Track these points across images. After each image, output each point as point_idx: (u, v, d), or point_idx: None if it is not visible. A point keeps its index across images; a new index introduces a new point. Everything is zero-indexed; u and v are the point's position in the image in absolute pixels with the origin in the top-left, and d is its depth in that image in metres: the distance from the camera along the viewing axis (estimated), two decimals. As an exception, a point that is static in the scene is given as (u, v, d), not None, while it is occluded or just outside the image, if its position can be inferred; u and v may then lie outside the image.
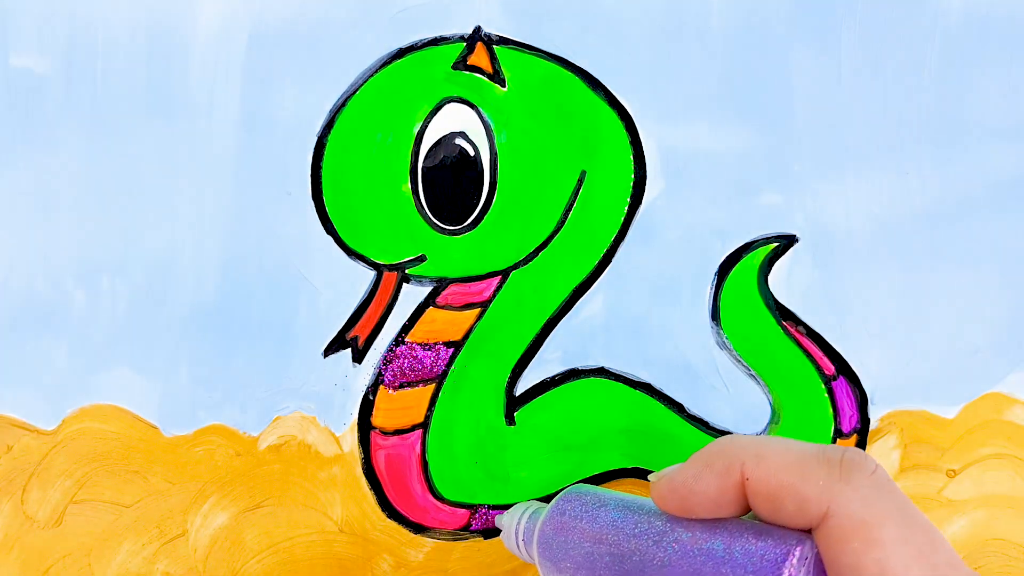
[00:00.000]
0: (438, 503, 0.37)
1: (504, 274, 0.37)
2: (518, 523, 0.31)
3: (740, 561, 0.24)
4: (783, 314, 0.37)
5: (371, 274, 0.36)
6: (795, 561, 0.23)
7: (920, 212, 0.37)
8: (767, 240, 0.37)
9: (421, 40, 0.35)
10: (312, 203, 0.36)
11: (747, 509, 0.25)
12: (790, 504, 0.24)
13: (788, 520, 0.24)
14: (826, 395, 0.37)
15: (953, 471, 0.38)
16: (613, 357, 0.37)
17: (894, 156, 0.37)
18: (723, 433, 0.37)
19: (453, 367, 0.37)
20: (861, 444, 0.37)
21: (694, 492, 0.25)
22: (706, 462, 0.25)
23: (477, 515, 0.38)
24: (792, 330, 0.37)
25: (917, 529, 0.22)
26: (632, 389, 0.37)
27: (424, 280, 0.36)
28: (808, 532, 0.24)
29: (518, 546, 0.31)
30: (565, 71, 0.36)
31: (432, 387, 0.37)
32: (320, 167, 0.36)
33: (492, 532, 0.38)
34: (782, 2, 0.36)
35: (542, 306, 0.37)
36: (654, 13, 0.36)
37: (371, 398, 0.37)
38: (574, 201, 0.36)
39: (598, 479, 0.38)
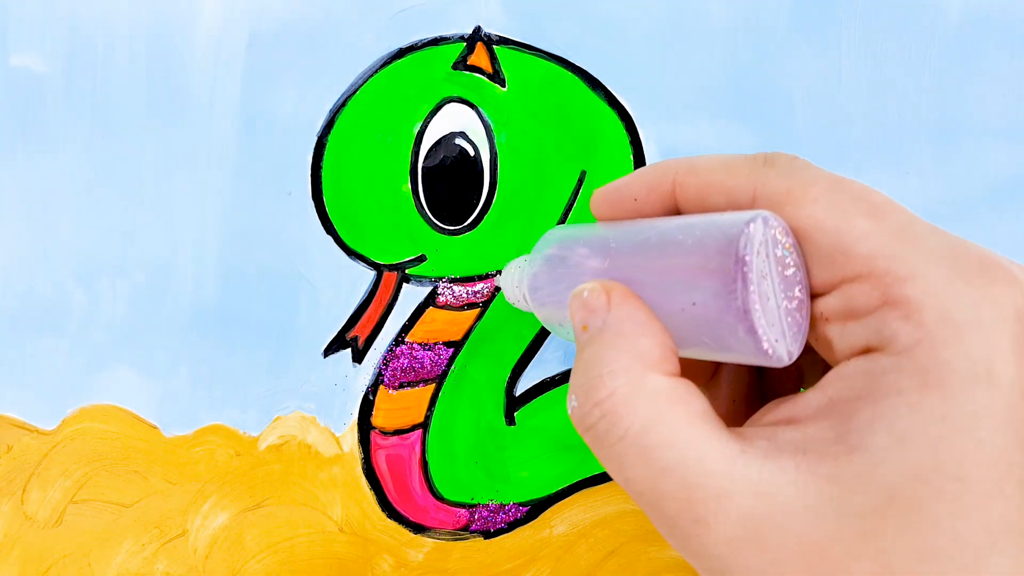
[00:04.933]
0: (438, 503, 0.37)
1: (504, 274, 0.36)
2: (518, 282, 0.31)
3: (707, 219, 0.23)
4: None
5: (371, 274, 0.36)
6: (767, 217, 0.22)
7: (920, 212, 0.37)
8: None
9: (421, 40, 0.35)
10: (312, 203, 0.36)
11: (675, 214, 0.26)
12: (719, 198, 0.24)
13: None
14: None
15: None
16: (613, 357, 0.37)
17: (894, 156, 0.37)
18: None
19: (453, 367, 0.37)
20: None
21: (624, 194, 0.27)
22: (640, 172, 0.27)
23: (477, 515, 0.38)
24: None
25: (846, 184, 0.22)
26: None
27: (424, 280, 0.36)
28: None
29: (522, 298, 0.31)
30: (565, 71, 0.36)
31: (432, 387, 0.37)
32: (320, 167, 0.36)
33: (492, 532, 0.38)
34: (782, 2, 0.36)
35: (542, 306, 0.37)
36: (654, 13, 0.36)
37: (371, 398, 0.37)
38: (574, 201, 0.36)
39: (598, 479, 0.38)
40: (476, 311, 0.36)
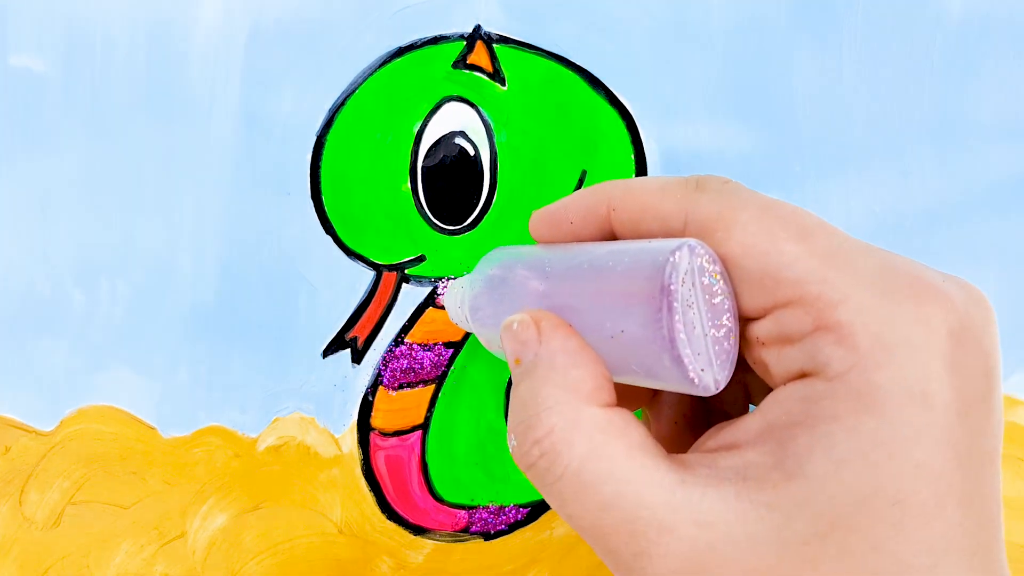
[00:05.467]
0: (438, 504, 0.37)
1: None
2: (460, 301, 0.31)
3: (637, 246, 0.23)
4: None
5: (371, 274, 0.36)
6: (694, 246, 0.22)
7: (921, 212, 0.37)
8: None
9: (421, 39, 0.35)
10: (312, 203, 0.36)
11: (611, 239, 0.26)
12: (652, 223, 0.24)
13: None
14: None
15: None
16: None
17: (894, 156, 0.37)
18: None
19: (453, 367, 0.37)
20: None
21: (561, 217, 0.27)
22: (577, 194, 0.27)
23: (477, 517, 0.37)
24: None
25: (776, 207, 0.22)
26: (633, 389, 0.37)
27: (424, 280, 0.36)
28: None
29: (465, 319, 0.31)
30: (565, 70, 0.36)
31: (432, 388, 0.37)
32: (320, 167, 0.36)
33: (492, 534, 0.38)
34: (782, 2, 0.36)
35: (542, 306, 0.37)
36: (654, 13, 0.36)
37: (370, 399, 0.37)
38: (574, 201, 0.36)
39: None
40: (476, 311, 0.36)
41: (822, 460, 0.19)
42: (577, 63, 0.36)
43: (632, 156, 0.36)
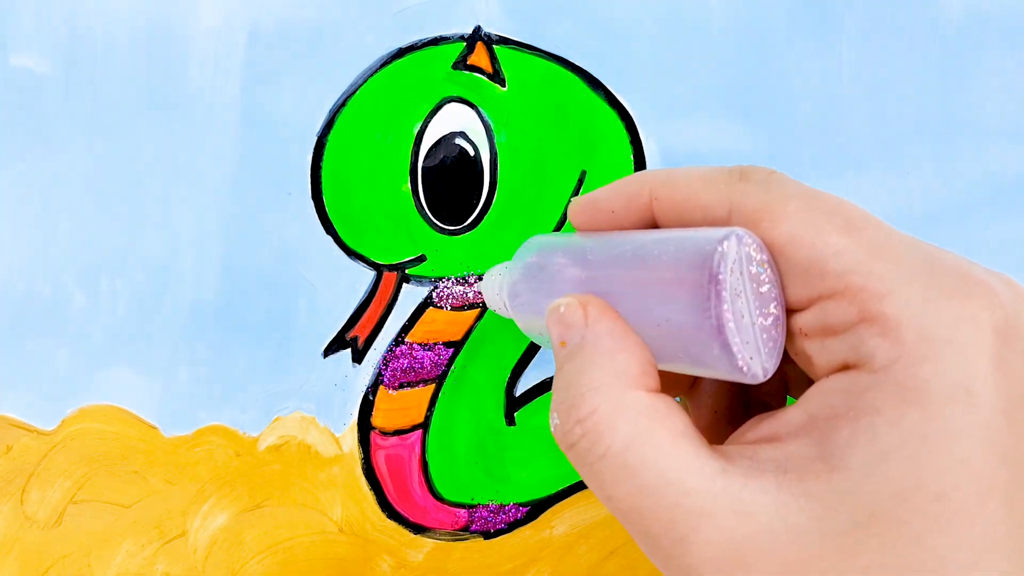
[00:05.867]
0: (438, 503, 0.37)
1: (504, 274, 0.36)
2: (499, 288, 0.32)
3: (683, 235, 0.23)
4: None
5: (371, 274, 0.36)
6: (741, 235, 0.22)
7: (920, 212, 0.37)
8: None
9: (421, 40, 0.35)
10: (312, 203, 0.36)
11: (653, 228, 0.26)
12: (695, 212, 0.24)
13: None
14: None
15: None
16: (613, 357, 0.37)
17: (894, 156, 0.37)
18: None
19: (453, 367, 0.37)
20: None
21: (602, 205, 0.27)
22: (618, 183, 0.27)
23: (477, 515, 0.37)
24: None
25: (822, 198, 0.22)
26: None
27: (424, 280, 0.36)
28: None
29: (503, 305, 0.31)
30: (565, 71, 0.36)
31: (432, 387, 0.37)
32: (320, 167, 0.36)
33: (492, 533, 0.38)
34: (782, 2, 0.36)
35: (542, 306, 0.37)
36: (654, 13, 0.36)
37: (371, 398, 0.37)
38: (574, 201, 0.36)
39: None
40: (476, 311, 0.36)
41: (864, 452, 0.19)
42: (577, 64, 0.36)
43: (631, 157, 0.36)
